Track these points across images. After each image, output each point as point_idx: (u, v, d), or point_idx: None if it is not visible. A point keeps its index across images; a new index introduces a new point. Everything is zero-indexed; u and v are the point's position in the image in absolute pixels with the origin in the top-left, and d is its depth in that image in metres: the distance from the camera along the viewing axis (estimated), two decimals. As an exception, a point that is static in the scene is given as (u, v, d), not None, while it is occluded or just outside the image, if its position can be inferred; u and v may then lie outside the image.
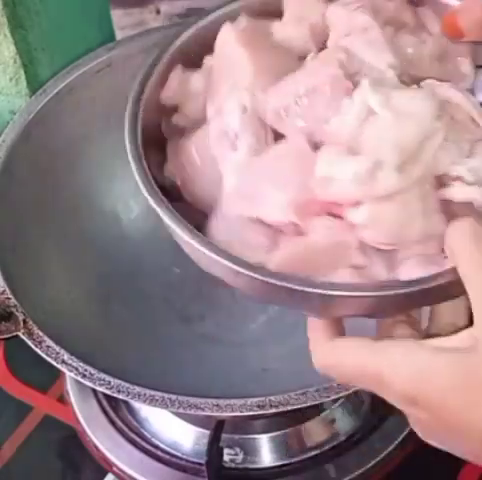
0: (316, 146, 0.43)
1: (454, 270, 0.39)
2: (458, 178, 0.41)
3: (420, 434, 0.41)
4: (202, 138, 0.46)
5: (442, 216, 0.41)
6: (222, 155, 0.45)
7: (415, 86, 0.45)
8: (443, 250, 0.41)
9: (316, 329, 0.44)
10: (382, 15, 0.47)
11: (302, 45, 0.48)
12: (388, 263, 0.42)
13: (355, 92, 0.43)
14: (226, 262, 0.40)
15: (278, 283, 0.39)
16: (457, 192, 0.41)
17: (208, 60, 0.48)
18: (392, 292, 0.39)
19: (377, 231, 0.41)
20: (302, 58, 0.47)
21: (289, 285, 0.39)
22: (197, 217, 0.45)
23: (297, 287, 0.39)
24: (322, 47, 0.47)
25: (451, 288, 0.40)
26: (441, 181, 0.42)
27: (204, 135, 0.46)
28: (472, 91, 0.47)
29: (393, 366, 0.39)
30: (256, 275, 0.40)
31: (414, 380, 0.38)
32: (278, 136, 0.45)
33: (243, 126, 0.44)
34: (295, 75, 0.45)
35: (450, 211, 0.42)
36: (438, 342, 0.40)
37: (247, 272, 0.40)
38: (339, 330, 0.44)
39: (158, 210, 0.43)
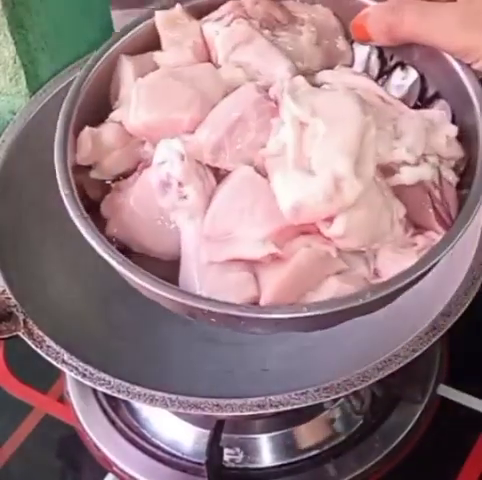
0: (262, 174, 0.43)
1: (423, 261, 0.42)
2: (403, 163, 0.43)
3: None
4: (140, 192, 0.46)
5: (398, 200, 0.43)
6: (172, 205, 0.45)
7: (325, 86, 0.45)
8: (407, 230, 0.43)
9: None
10: (255, 20, 0.48)
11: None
12: (366, 258, 0.43)
13: (280, 110, 0.43)
14: (234, 311, 0.42)
15: (283, 316, 0.41)
16: (407, 176, 0.43)
17: (115, 115, 0.48)
18: (373, 298, 0.41)
19: (354, 238, 0.42)
20: None
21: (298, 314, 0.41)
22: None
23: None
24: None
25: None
26: (386, 169, 0.43)
27: (141, 189, 0.46)
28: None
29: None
30: (257, 315, 0.42)
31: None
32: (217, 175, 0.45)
33: (186, 173, 0.43)
34: (217, 109, 0.45)
35: (401, 193, 0.43)
36: None
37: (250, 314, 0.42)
38: None
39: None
